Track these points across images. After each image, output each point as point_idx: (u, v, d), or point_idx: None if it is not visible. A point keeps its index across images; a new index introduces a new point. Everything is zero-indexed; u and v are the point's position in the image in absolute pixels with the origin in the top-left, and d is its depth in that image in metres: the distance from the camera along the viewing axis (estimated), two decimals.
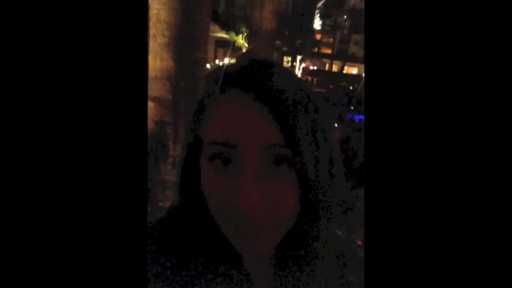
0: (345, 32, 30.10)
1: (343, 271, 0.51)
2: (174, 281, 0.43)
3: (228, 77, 0.41)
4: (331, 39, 29.30)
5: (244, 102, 0.38)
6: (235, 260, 0.45)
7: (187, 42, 2.24)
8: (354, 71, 29.07)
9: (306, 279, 0.45)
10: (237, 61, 0.43)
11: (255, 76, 0.39)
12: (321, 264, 0.45)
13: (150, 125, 2.24)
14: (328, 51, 28.37)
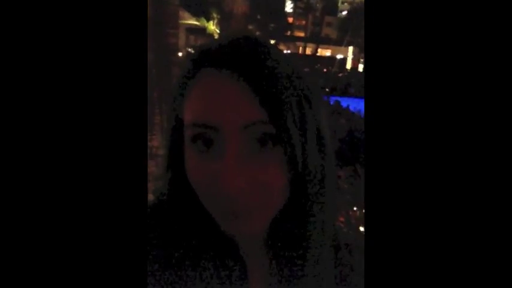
0: (317, 14, 30.09)
1: (337, 253, 0.50)
2: (166, 267, 0.43)
3: (205, 56, 0.39)
4: (303, 22, 29.26)
5: (223, 79, 0.37)
6: (227, 243, 0.44)
7: (156, 28, 2.18)
8: (328, 53, 29.26)
9: (300, 261, 0.44)
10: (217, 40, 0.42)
11: (236, 52, 0.38)
12: (314, 246, 0.44)
13: None
14: (301, 34, 28.33)
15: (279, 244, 0.44)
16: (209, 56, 0.39)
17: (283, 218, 0.41)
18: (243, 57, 0.37)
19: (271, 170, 0.38)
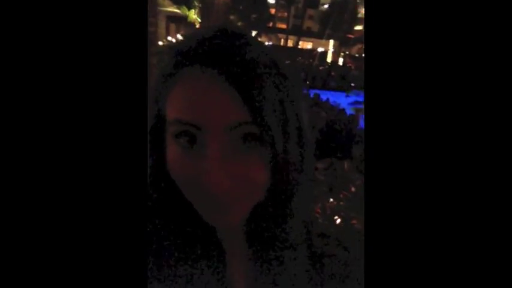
0: (299, 6, 30.00)
1: (311, 243, 0.51)
2: (149, 256, 0.43)
3: (186, 54, 0.39)
4: (285, 14, 29.10)
5: (205, 78, 0.37)
6: (207, 232, 0.44)
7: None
8: (309, 45, 29.29)
9: (278, 249, 0.45)
10: (198, 32, 0.41)
11: (215, 50, 0.37)
12: (291, 237, 0.45)
13: None
14: (283, 26, 28.20)
15: (257, 233, 0.45)
16: (194, 53, 0.38)
17: (262, 208, 0.42)
18: (224, 55, 0.37)
19: (254, 167, 0.38)
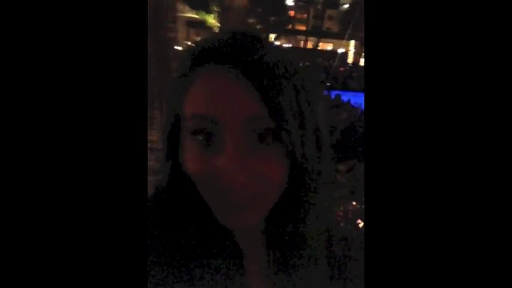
0: (319, 7, 29.85)
1: (332, 245, 0.50)
2: (165, 258, 0.43)
3: (208, 52, 0.40)
4: (305, 15, 29.03)
5: (224, 75, 0.37)
6: (224, 235, 0.44)
7: (155, 22, 2.17)
8: (329, 47, 29.08)
9: (295, 252, 0.45)
10: (217, 35, 0.42)
11: (236, 48, 0.38)
12: (310, 238, 0.45)
13: None
14: (303, 27, 28.13)
15: (276, 235, 0.44)
16: (211, 52, 0.39)
17: (280, 210, 0.42)
18: (244, 54, 0.37)
19: (271, 164, 0.38)
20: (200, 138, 0.39)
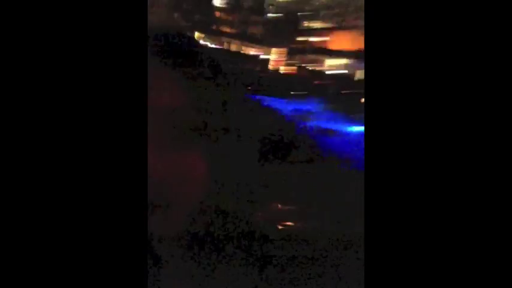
0: (244, 11, 30.77)
1: (253, 245, 0.54)
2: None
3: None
4: (230, 18, 29.63)
5: (154, 66, 0.38)
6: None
7: None
8: (252, 51, 30.15)
9: (220, 254, 0.45)
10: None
11: (168, 42, 0.37)
12: (234, 239, 0.48)
13: None
14: (228, 29, 28.67)
15: (198, 237, 0.46)
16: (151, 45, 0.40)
17: (202, 211, 0.42)
18: (174, 47, 0.37)
19: (193, 161, 0.37)
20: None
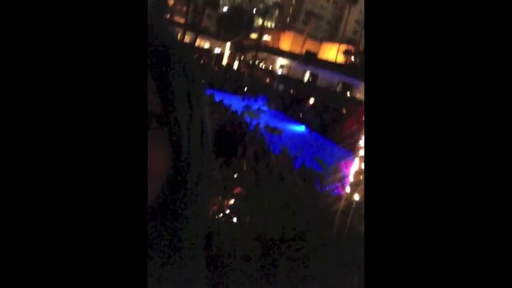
0: (199, 2, 29.71)
1: (208, 240, 0.50)
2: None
3: None
4: (184, 8, 28.40)
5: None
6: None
7: None
8: (206, 45, 29.26)
9: (177, 251, 0.43)
10: None
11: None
12: (188, 236, 0.43)
13: None
14: (181, 20, 27.43)
15: (156, 234, 0.42)
16: None
17: (160, 205, 0.40)
18: (151, 38, 0.35)
19: (153, 151, 0.36)
20: None
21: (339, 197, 2.29)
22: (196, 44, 26.93)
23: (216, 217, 1.86)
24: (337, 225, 1.98)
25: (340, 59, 28.30)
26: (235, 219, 1.86)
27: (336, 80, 22.60)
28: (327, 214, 2.18)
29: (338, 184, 2.49)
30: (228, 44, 27.75)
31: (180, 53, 0.38)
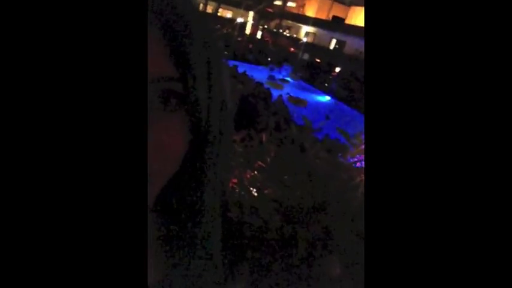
0: None
1: (226, 212, 0.50)
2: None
3: None
4: None
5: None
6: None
7: None
8: (229, 14, 28.69)
9: (196, 225, 0.43)
10: None
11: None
12: (207, 208, 0.43)
13: None
14: None
15: (172, 209, 0.43)
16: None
17: (177, 179, 0.39)
18: (164, 5, 0.33)
19: (173, 133, 0.35)
20: None
21: (361, 169, 2.25)
22: (219, 13, 26.46)
23: (236, 189, 1.88)
24: (359, 198, 1.96)
25: None
26: (254, 192, 1.88)
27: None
28: (349, 187, 2.15)
29: (361, 157, 2.43)
30: (251, 13, 27.05)
31: (202, 23, 0.35)
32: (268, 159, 2.41)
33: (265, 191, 2.02)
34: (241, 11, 27.00)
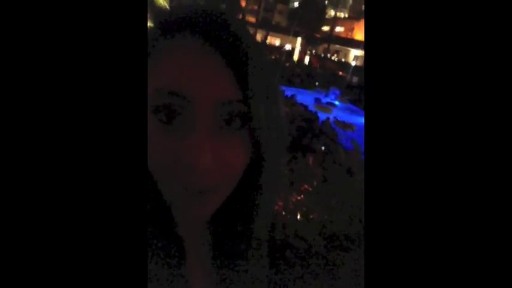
0: (270, 0, 30.07)
1: (273, 233, 0.50)
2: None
3: (183, 20, 0.36)
4: (255, 7, 29.01)
5: (198, 50, 0.34)
6: (166, 224, 0.40)
7: None
8: (277, 41, 29.48)
9: (243, 244, 0.45)
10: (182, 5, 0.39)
11: (212, 21, 0.35)
12: (257, 228, 0.44)
13: None
14: (253, 19, 28.09)
15: (223, 227, 0.44)
16: (187, 21, 0.35)
17: (232, 200, 0.41)
18: (218, 28, 0.35)
19: (236, 150, 0.37)
20: (162, 116, 0.34)
21: None
22: (268, 41, 27.28)
23: (283, 213, 1.89)
24: None
25: None
26: (299, 216, 1.86)
27: None
28: None
29: None
30: (299, 40, 27.51)
31: (257, 50, 0.37)
32: (315, 183, 2.39)
33: (311, 215, 2.00)
34: (290, 38, 27.60)
